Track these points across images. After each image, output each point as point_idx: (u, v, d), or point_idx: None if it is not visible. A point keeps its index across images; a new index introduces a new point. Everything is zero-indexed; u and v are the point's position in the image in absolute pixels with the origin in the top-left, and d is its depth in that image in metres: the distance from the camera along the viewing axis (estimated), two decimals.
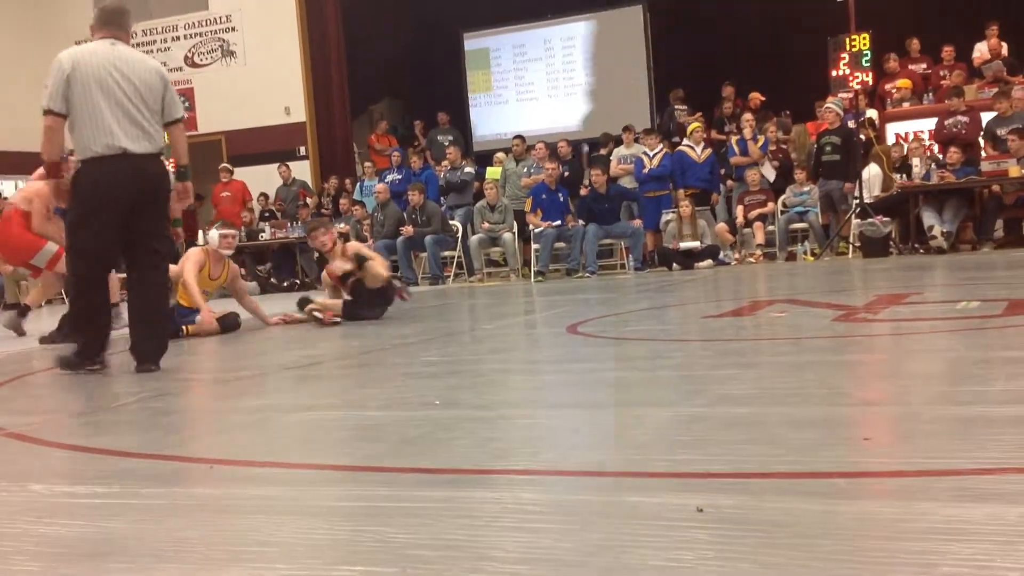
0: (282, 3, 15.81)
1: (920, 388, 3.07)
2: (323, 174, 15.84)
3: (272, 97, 15.88)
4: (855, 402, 2.92)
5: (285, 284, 13.86)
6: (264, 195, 15.26)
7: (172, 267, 6.80)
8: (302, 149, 16.09)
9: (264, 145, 15.67)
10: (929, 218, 10.53)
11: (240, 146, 16.08)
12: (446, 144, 14.53)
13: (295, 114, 16.12)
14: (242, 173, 15.21)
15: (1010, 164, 10.27)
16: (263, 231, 14.14)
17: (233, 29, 16.09)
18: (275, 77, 15.84)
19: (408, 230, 12.43)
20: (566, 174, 12.91)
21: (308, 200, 14.79)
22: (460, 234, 12.71)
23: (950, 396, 2.86)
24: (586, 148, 14.34)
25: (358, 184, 14.68)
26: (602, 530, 1.74)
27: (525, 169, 13.16)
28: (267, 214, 14.89)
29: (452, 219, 12.94)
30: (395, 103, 17.89)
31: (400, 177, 13.91)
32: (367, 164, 14.96)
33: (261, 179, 15.31)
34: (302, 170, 15.86)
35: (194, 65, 16.51)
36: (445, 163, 13.78)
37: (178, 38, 16.56)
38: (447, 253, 12.73)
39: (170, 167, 5.51)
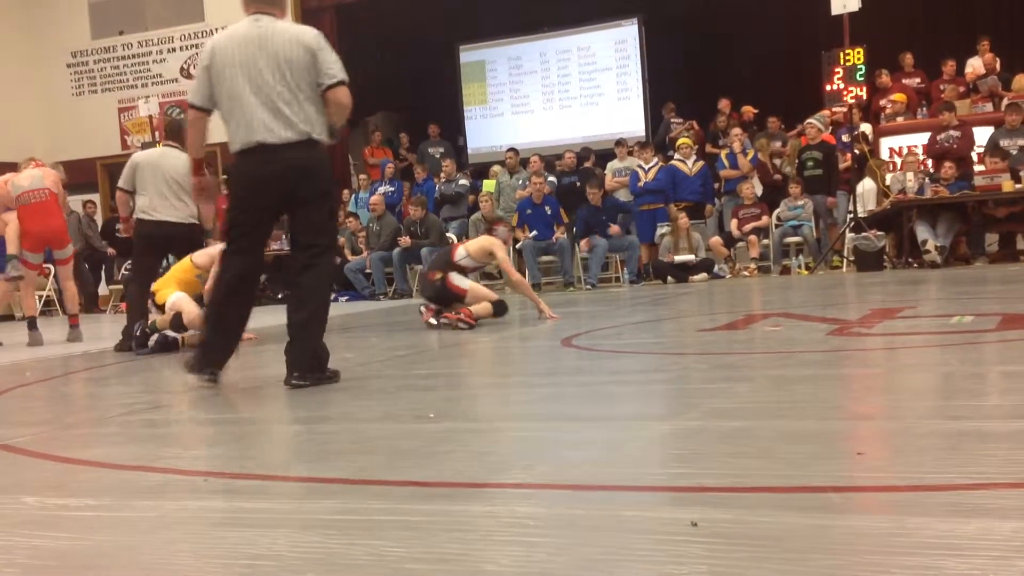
0: None
1: (914, 402, 3.08)
2: None
3: None
4: (849, 416, 2.92)
5: (279, 296, 13.83)
6: None
7: (201, 257, 6.80)
8: None
9: None
10: (923, 232, 10.56)
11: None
12: (437, 156, 14.55)
13: None
14: None
15: (1004, 179, 10.31)
16: None
17: None
18: None
19: (406, 241, 12.43)
20: (577, 183, 12.95)
21: None
22: None
23: (944, 410, 2.87)
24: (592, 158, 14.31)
25: (353, 196, 14.69)
26: (596, 544, 1.74)
27: (520, 181, 13.18)
28: None
29: (447, 231, 12.95)
30: (391, 115, 17.91)
31: (393, 189, 13.92)
32: (362, 176, 14.97)
33: None
34: None
35: (190, 76, 16.49)
36: (442, 175, 13.81)
37: (174, 49, 16.59)
38: None
39: None
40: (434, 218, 12.79)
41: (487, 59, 16.75)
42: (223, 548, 1.88)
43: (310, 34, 4.43)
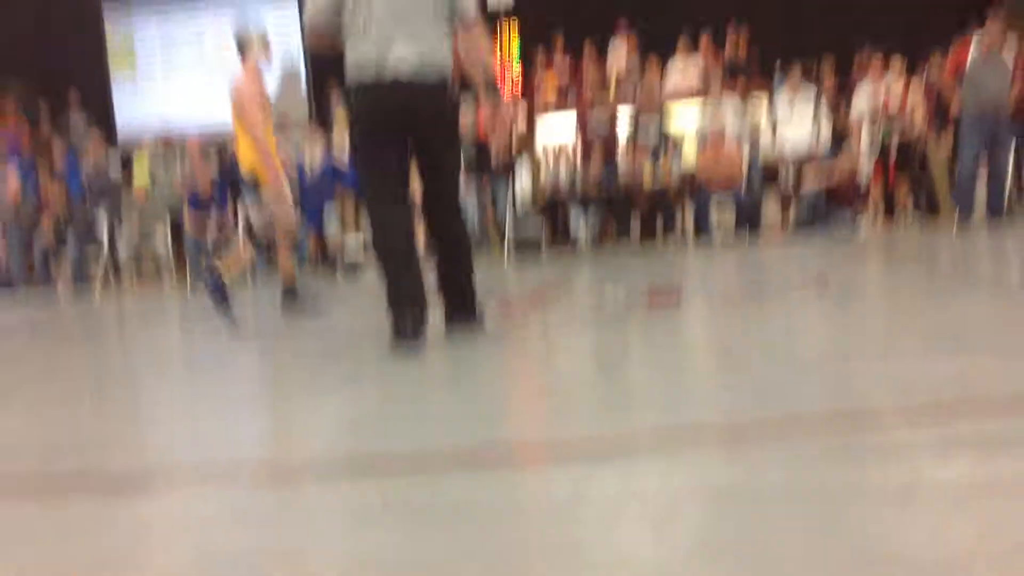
0: None
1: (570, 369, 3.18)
2: None
3: None
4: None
5: None
6: None
7: None
8: None
9: None
10: (576, 218, 11.20)
11: None
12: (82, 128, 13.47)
13: None
14: None
15: (644, 164, 11.07)
16: None
17: None
18: None
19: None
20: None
21: None
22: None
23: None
24: None
25: None
26: None
27: (177, 168, 12.40)
28: None
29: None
30: (23, 82, 16.18)
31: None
32: None
33: None
34: None
35: None
36: (88, 158, 12.55)
37: None
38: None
39: None
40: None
41: (137, 27, 15.63)
42: None
43: None
